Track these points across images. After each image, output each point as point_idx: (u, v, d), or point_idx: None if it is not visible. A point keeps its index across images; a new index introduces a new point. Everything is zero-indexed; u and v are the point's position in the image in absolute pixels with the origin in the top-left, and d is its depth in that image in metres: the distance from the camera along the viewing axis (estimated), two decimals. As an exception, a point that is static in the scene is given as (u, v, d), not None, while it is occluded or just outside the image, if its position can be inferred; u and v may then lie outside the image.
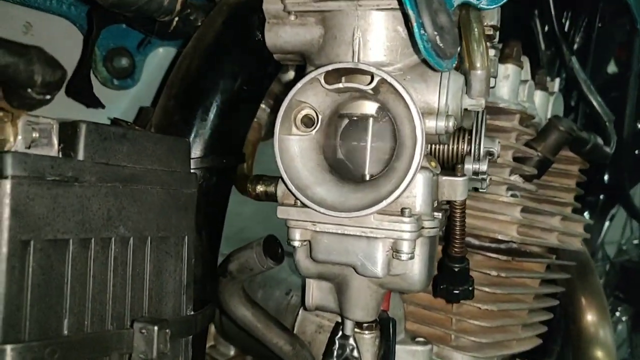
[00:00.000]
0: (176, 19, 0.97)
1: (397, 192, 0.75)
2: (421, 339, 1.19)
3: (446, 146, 0.92)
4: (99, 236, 0.66)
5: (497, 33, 0.97)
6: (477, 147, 0.91)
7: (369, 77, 0.76)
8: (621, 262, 2.40)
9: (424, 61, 0.68)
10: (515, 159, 1.23)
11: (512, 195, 1.23)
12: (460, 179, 0.89)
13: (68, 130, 0.65)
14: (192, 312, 0.79)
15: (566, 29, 1.74)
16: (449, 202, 0.92)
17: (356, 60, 0.79)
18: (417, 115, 0.74)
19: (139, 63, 1.18)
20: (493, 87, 0.98)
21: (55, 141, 0.64)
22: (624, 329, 2.55)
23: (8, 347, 0.57)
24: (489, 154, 0.94)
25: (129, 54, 1.14)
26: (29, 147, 0.62)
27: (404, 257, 0.79)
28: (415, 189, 0.82)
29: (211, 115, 0.88)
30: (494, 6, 0.84)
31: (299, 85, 0.78)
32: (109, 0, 0.72)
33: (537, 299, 1.32)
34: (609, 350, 1.62)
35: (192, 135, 0.87)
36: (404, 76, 0.80)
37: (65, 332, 0.62)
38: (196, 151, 0.88)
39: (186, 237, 0.78)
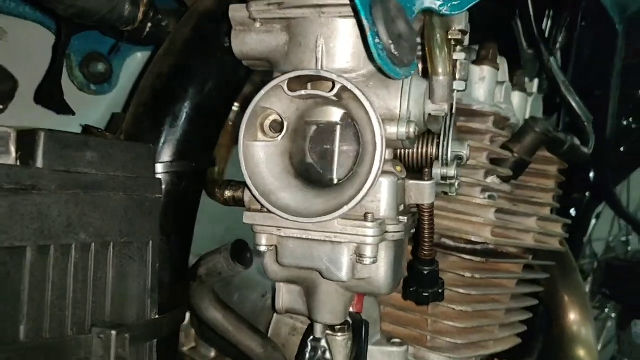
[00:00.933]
0: (149, 24, 0.97)
1: (358, 198, 0.76)
2: (397, 340, 1.20)
3: (413, 150, 0.93)
4: (59, 243, 0.67)
5: (467, 37, 0.98)
6: (444, 151, 0.92)
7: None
8: (608, 260, 2.42)
9: (380, 69, 0.68)
10: (492, 160, 1.24)
11: (489, 197, 1.24)
12: (427, 182, 0.90)
13: (26, 139, 0.66)
14: (158, 316, 0.80)
15: (548, 28, 1.75)
16: (417, 205, 0.92)
17: (319, 67, 0.80)
18: (377, 122, 0.74)
19: (116, 68, 1.18)
20: (464, 90, 0.99)
21: (13, 149, 0.65)
22: (614, 325, 2.57)
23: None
24: (458, 158, 0.95)
25: (106, 59, 1.15)
26: (-14, 156, 0.63)
27: (367, 261, 0.80)
28: (380, 194, 0.83)
29: (180, 121, 0.89)
30: (457, 12, 0.85)
31: (262, 92, 0.78)
32: (69, 10, 0.73)
33: (515, 299, 1.33)
34: (591, 348, 1.64)
35: (162, 140, 0.88)
36: (367, 82, 0.80)
37: (22, 338, 0.63)
38: (165, 156, 0.88)
39: (150, 241, 0.79)
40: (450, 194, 0.98)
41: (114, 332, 0.67)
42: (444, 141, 0.92)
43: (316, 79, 0.78)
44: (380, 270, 0.85)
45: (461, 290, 1.16)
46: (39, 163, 0.66)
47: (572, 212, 2.21)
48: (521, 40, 1.62)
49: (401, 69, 0.68)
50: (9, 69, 0.92)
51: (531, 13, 1.50)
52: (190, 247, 0.93)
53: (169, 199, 0.87)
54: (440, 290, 0.98)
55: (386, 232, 0.83)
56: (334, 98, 0.78)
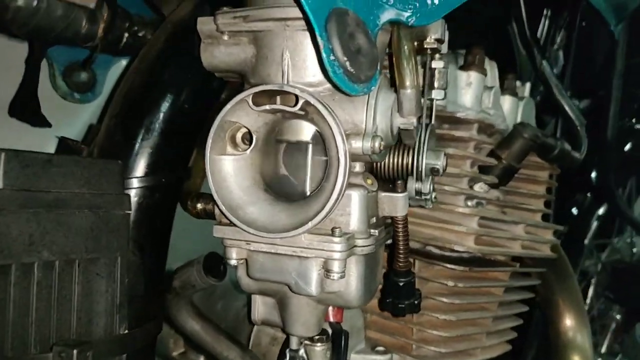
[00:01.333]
0: (125, 34, 0.98)
1: (322, 214, 0.76)
2: (380, 349, 1.20)
3: (386, 162, 0.92)
4: (20, 261, 0.67)
5: (445, 45, 0.97)
6: (419, 164, 0.91)
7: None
8: (612, 262, 2.38)
9: (336, 86, 0.68)
10: (480, 167, 1.23)
11: (476, 204, 1.23)
12: (400, 195, 0.89)
13: (-12, 159, 0.67)
14: (127, 331, 0.80)
15: (546, 28, 1.72)
16: (391, 217, 0.92)
17: (286, 81, 0.80)
18: (340, 137, 0.74)
19: (99, 76, 1.19)
20: (443, 99, 0.97)
21: (-26, 170, 0.66)
22: (617, 328, 2.53)
23: None
24: (433, 171, 0.94)
25: (89, 68, 1.16)
26: (-55, 178, 0.64)
27: (335, 276, 0.80)
28: (349, 207, 0.82)
29: (152, 134, 0.90)
30: (426, 23, 0.83)
31: (227, 106, 0.78)
32: (23, 29, 0.73)
33: (503, 306, 1.32)
34: (586, 355, 1.62)
35: (134, 154, 0.89)
36: (333, 96, 0.79)
37: (-16, 356, 0.64)
38: (138, 170, 0.89)
39: (118, 257, 0.80)
40: (426, 207, 0.97)
41: (75, 351, 0.68)
42: (418, 154, 0.91)
43: (281, 93, 0.77)
44: (350, 283, 0.85)
45: (445, 300, 1.15)
46: (3, 182, 0.67)
47: (574, 211, 2.18)
48: (516, 43, 1.60)
49: (359, 85, 0.68)
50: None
51: (524, 15, 1.48)
52: (165, 260, 0.94)
53: (141, 213, 0.88)
54: (416, 302, 0.97)
55: (355, 246, 0.82)
56: (300, 112, 0.77)
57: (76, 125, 1.20)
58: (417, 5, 0.78)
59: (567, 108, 1.47)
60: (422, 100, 0.94)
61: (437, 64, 0.97)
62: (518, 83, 1.42)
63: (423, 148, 0.91)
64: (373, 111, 0.78)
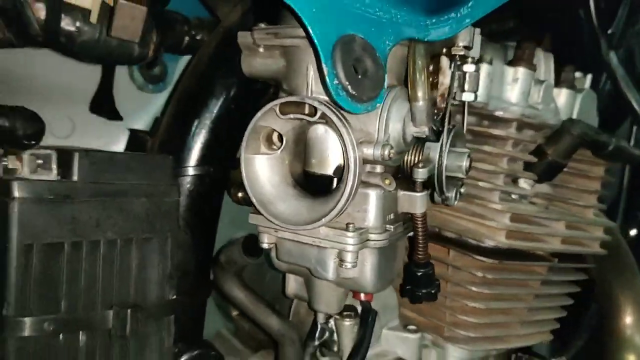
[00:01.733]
0: (186, 38, 1.12)
1: (334, 212, 0.86)
2: (412, 327, 1.29)
3: (408, 162, 0.99)
4: (89, 239, 0.85)
5: (474, 50, 1.00)
6: (439, 171, 0.96)
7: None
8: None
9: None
10: (526, 163, 1.25)
11: (520, 197, 1.26)
12: (418, 194, 0.96)
13: (65, 158, 0.84)
14: (175, 297, 0.97)
15: (619, 18, 1.63)
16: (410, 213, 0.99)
17: (309, 92, 0.89)
18: (350, 146, 0.83)
19: (170, 68, 1.36)
20: (474, 101, 1.01)
21: (54, 167, 0.84)
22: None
23: (26, 319, 0.80)
24: (453, 178, 0.98)
25: (161, 62, 1.33)
26: (34, 172, 0.82)
27: (348, 265, 0.90)
28: (366, 205, 0.92)
29: (202, 131, 1.04)
30: (443, 38, 0.88)
31: (259, 114, 0.90)
32: (87, 58, 0.88)
33: (542, 298, 1.34)
34: (643, 357, 1.58)
35: (187, 147, 1.04)
36: (350, 106, 0.88)
37: (62, 312, 0.83)
38: (191, 161, 1.04)
39: (169, 237, 0.96)
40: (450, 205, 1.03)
41: (129, 310, 0.85)
42: (438, 160, 0.96)
43: (303, 104, 0.87)
44: (365, 272, 0.95)
45: (474, 288, 1.21)
46: (75, 177, 0.84)
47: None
48: (583, 33, 1.54)
49: (361, 105, 0.76)
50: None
51: (591, 2, 1.42)
52: (213, 238, 1.09)
53: (192, 198, 1.04)
54: (433, 291, 1.04)
55: (369, 240, 0.92)
56: (321, 120, 0.87)
57: (150, 112, 1.39)
58: (430, 22, 0.84)
59: (633, 102, 1.42)
60: (449, 103, 0.99)
61: (468, 68, 1.01)
62: (578, 74, 1.39)
63: (443, 156, 0.96)
64: (385, 122, 0.86)
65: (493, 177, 1.19)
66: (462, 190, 1.05)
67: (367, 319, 1.13)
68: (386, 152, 0.85)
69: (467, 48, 0.98)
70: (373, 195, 0.91)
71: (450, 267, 1.25)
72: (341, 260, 0.91)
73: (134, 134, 1.11)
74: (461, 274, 1.24)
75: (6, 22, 0.76)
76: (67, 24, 0.78)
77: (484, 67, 1.16)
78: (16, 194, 0.78)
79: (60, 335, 0.83)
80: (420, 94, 0.85)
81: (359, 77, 0.75)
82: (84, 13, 0.79)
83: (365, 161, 0.88)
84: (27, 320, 0.80)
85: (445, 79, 1.00)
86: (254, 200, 0.93)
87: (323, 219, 0.87)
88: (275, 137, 0.97)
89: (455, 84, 0.99)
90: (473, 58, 1.01)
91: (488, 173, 1.19)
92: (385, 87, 0.79)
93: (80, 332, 0.85)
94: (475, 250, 1.20)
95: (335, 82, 0.73)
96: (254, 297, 1.15)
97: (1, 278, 0.79)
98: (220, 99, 1.04)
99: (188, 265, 1.02)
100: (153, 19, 0.86)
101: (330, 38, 0.73)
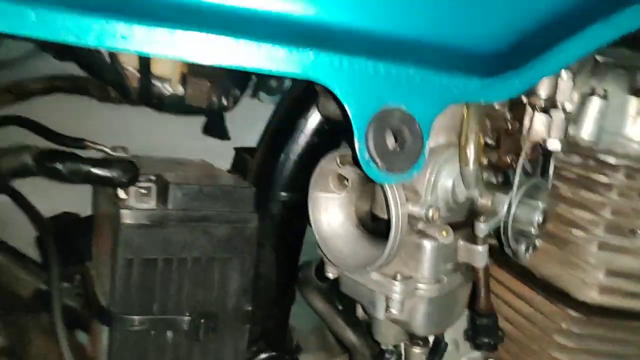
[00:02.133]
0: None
1: (379, 262, 0.90)
2: None
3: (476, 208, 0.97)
4: (178, 257, 1.03)
5: (561, 93, 0.93)
6: (504, 227, 0.93)
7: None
8: None
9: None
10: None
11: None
12: (478, 247, 0.95)
13: (162, 189, 1.03)
14: (250, 308, 1.12)
15: None
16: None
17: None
18: (393, 203, 0.86)
19: (286, 80, 1.48)
20: (560, 151, 0.94)
21: (154, 196, 1.03)
22: None
23: (129, 316, 1.02)
24: (523, 232, 0.94)
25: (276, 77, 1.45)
26: (139, 201, 1.02)
27: (393, 311, 0.94)
28: (419, 254, 0.94)
29: (289, 162, 1.15)
30: (502, 100, 0.84)
31: (322, 161, 0.97)
32: (166, 109, 1.04)
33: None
34: None
35: (274, 176, 1.16)
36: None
37: (155, 312, 1.03)
38: (278, 187, 1.17)
39: (247, 258, 1.09)
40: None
41: (203, 319, 1.03)
42: (507, 217, 0.93)
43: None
44: (415, 318, 0.98)
45: (558, 339, 1.14)
46: (169, 205, 1.02)
47: None
48: None
49: (393, 176, 0.78)
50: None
51: None
52: (297, 258, 1.22)
53: (278, 220, 1.16)
54: (493, 342, 1.03)
55: (417, 289, 0.94)
56: (375, 173, 0.91)
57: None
58: (486, 84, 0.80)
59: None
60: (524, 152, 0.93)
61: (555, 114, 0.94)
62: None
63: (512, 208, 0.92)
64: (432, 184, 0.86)
65: (590, 227, 1.09)
66: (537, 243, 1.00)
67: (436, 350, 1.16)
68: (430, 214, 0.86)
69: (547, 100, 0.91)
70: (426, 246, 0.93)
71: (538, 312, 1.19)
72: (387, 306, 0.95)
73: (238, 153, 1.27)
74: (547, 321, 1.17)
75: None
76: (156, 89, 0.95)
77: (595, 101, 1.05)
78: (124, 220, 0.98)
79: (152, 332, 1.03)
80: (470, 158, 0.84)
81: (393, 149, 0.77)
82: (169, 80, 0.95)
83: (412, 218, 0.90)
84: (130, 317, 1.01)
85: (527, 127, 0.95)
86: (317, 236, 1.01)
87: (368, 267, 0.92)
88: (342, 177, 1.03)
89: (540, 129, 0.94)
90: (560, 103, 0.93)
91: (585, 222, 1.09)
92: (426, 154, 0.79)
93: (168, 331, 1.04)
94: (562, 300, 1.13)
95: (366, 156, 0.76)
96: (332, 310, 1.25)
97: (111, 283, 1.00)
98: (304, 134, 1.14)
99: (269, 280, 1.16)
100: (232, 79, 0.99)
101: (366, 113, 0.76)
